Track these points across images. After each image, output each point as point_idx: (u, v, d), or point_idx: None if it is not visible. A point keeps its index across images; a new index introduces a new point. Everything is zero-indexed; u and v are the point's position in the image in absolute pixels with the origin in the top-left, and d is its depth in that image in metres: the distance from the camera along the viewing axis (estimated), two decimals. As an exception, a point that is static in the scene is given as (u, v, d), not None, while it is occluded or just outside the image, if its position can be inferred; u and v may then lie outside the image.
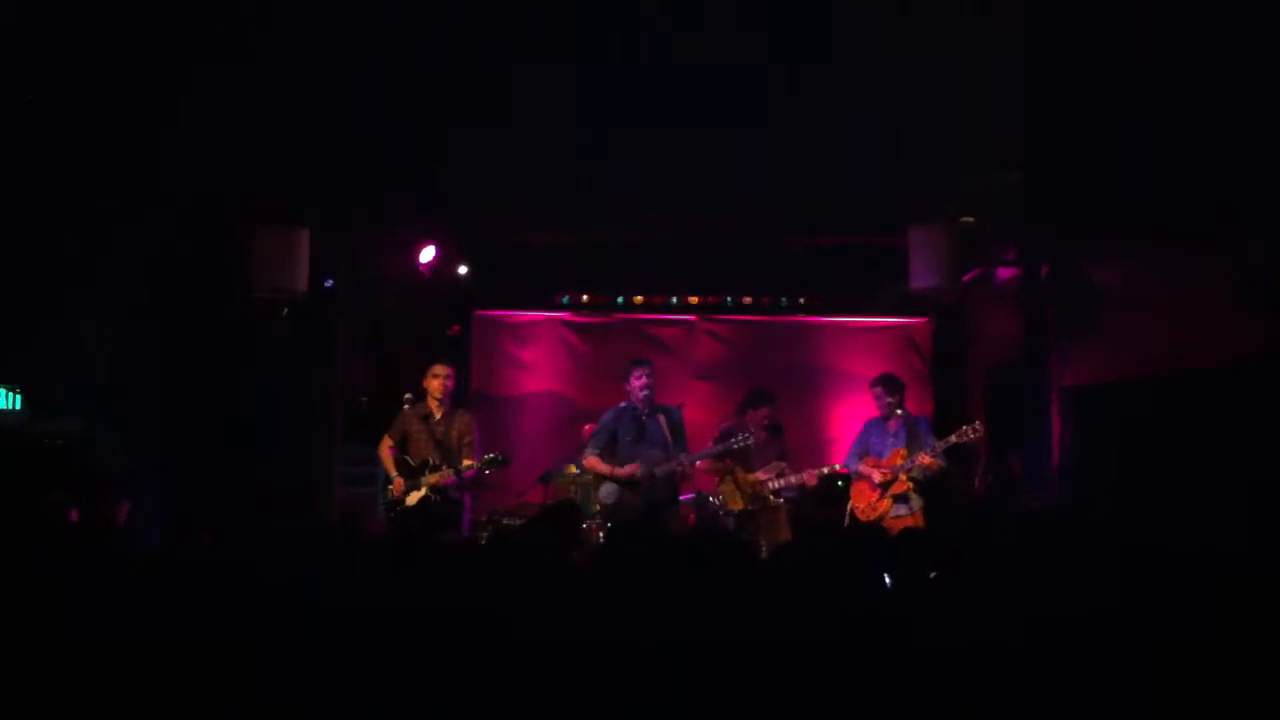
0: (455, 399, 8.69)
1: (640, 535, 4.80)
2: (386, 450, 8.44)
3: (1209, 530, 5.45)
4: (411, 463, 8.32)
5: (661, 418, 8.43)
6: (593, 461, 8.46)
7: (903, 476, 8.46)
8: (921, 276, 8.66)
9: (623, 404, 8.55)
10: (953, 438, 8.41)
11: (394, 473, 8.32)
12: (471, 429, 8.39)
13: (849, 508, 8.70)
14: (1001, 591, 3.65)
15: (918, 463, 8.41)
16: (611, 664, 3.17)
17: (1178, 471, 6.30)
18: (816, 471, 8.87)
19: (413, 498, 8.20)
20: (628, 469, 8.24)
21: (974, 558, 4.28)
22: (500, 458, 8.30)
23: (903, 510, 8.44)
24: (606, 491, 8.35)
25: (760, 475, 8.78)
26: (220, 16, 7.18)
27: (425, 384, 8.48)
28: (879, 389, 8.79)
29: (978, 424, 8.42)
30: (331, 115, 7.79)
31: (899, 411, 8.68)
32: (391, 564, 4.14)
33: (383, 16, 7.26)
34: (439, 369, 8.46)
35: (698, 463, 8.65)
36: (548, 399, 10.74)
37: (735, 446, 8.52)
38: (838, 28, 7.22)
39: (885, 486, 8.52)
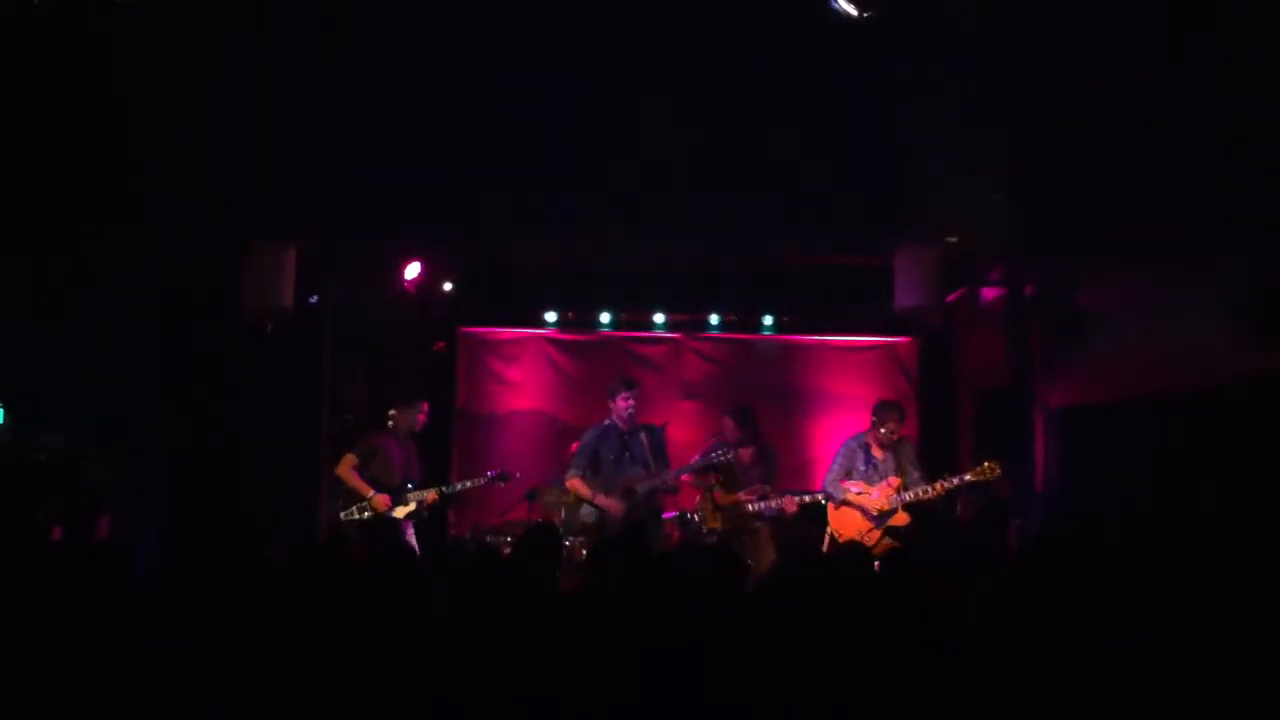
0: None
1: (624, 551, 4.78)
2: (349, 468, 8.44)
3: (1195, 553, 5.46)
4: (384, 481, 8.36)
5: (643, 436, 8.45)
6: (575, 483, 8.48)
7: (900, 509, 8.18)
8: (907, 296, 8.69)
9: (605, 422, 8.55)
10: (969, 476, 8.07)
11: (369, 491, 8.31)
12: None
13: (828, 531, 8.42)
14: (995, 610, 3.65)
15: (934, 492, 8.11)
16: (601, 671, 3.16)
17: (1164, 494, 6.30)
18: (796, 499, 8.66)
19: (399, 511, 8.31)
20: (607, 503, 8.25)
21: (965, 578, 4.28)
22: (504, 474, 8.58)
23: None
24: (588, 511, 8.41)
25: (741, 496, 8.69)
26: (207, 33, 7.17)
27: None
28: (888, 420, 8.30)
29: (995, 465, 8.01)
30: (319, 130, 7.77)
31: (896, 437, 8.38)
32: (391, 576, 4.12)
33: (367, 30, 7.25)
34: (403, 411, 8.58)
35: (682, 476, 8.67)
36: (532, 417, 10.70)
37: (715, 460, 8.49)
38: (826, 49, 7.23)
39: (883, 517, 8.23)
